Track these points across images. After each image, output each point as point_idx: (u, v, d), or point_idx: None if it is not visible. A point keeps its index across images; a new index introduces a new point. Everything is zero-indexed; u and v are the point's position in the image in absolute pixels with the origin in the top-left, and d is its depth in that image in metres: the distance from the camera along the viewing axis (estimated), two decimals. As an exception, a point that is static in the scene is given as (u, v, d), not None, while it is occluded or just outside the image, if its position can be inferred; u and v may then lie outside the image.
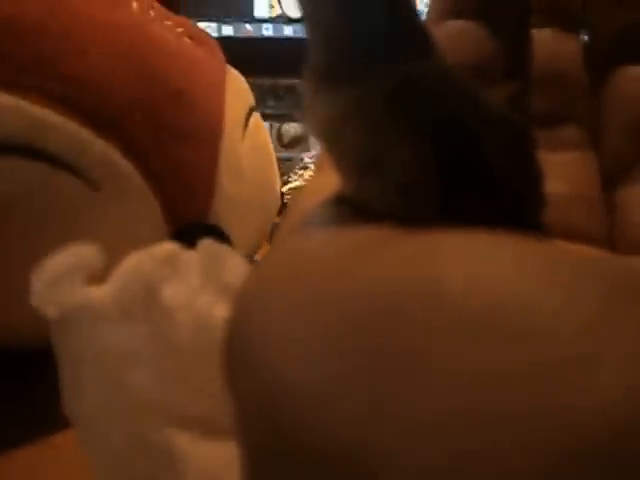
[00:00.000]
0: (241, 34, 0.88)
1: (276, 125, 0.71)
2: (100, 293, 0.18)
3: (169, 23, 0.35)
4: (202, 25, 0.86)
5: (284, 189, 0.52)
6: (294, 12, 0.88)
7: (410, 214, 0.14)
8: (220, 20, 0.88)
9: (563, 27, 0.21)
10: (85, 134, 0.28)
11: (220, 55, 0.38)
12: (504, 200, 0.15)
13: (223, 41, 0.88)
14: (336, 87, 0.14)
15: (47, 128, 0.27)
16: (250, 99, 0.39)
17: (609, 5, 0.20)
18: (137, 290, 0.18)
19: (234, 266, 0.19)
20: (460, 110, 0.15)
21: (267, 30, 0.87)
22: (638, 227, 0.18)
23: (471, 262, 0.11)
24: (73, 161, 0.28)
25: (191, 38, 0.36)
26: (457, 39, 0.20)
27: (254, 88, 0.81)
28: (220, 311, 0.18)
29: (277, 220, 0.42)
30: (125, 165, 0.29)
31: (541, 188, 0.16)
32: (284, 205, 0.48)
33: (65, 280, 0.18)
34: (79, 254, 0.19)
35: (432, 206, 0.14)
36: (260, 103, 0.75)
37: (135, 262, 0.19)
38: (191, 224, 0.32)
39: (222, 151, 0.34)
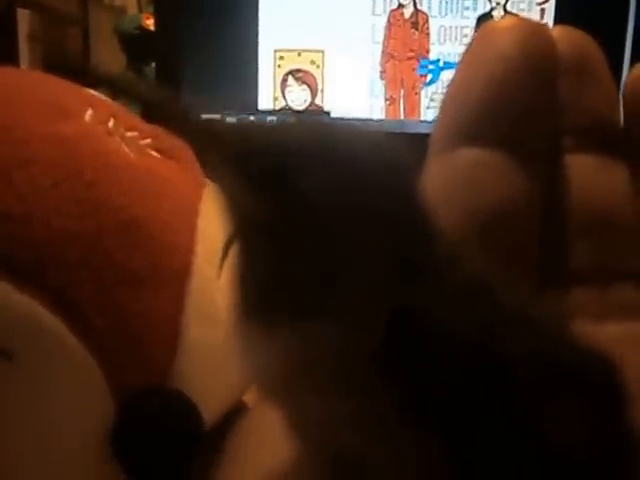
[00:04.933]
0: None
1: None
2: None
3: (132, 134, 0.29)
4: (205, 116, 0.82)
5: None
6: (299, 105, 0.83)
7: None
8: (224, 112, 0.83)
9: (604, 150, 0.16)
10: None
11: (196, 170, 0.32)
12: None
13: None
14: (285, 325, 0.09)
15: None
16: (232, 221, 0.33)
17: None
18: None
19: None
20: (490, 381, 0.08)
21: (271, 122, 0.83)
22: None
23: None
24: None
25: (160, 151, 0.30)
26: (475, 175, 0.15)
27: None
28: None
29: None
30: (54, 325, 0.22)
31: None
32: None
33: None
34: None
35: None
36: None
37: None
38: (144, 393, 0.25)
39: (190, 293, 0.27)
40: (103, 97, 0.32)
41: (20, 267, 0.22)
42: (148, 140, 0.30)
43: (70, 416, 0.24)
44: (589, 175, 0.16)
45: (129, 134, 0.29)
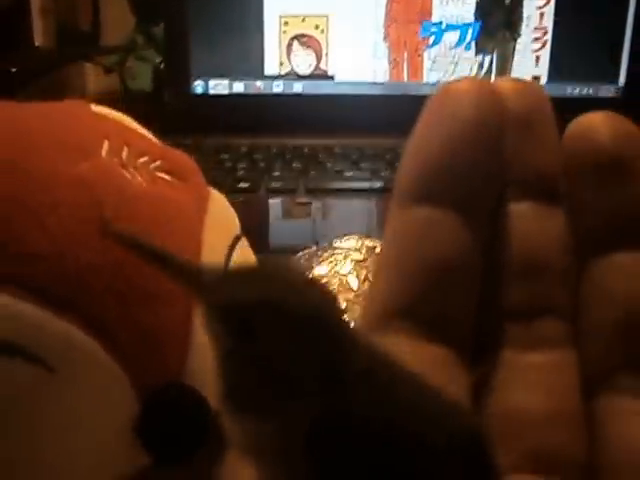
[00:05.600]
0: (252, 91, 0.86)
1: (287, 200, 0.68)
2: None
3: (143, 160, 0.33)
4: (213, 82, 0.85)
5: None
6: (304, 69, 0.86)
7: None
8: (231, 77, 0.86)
9: (544, 200, 0.19)
10: (40, 315, 0.26)
11: (200, 185, 0.36)
12: None
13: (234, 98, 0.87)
14: (247, 416, 0.14)
15: (-3, 315, 0.25)
16: (234, 228, 0.37)
17: (588, 183, 0.18)
18: None
19: None
20: (388, 456, 0.13)
21: (277, 87, 0.86)
22: (618, 450, 0.16)
23: None
24: (26, 346, 0.26)
25: (169, 172, 0.34)
26: (426, 231, 0.18)
27: (262, 150, 0.78)
28: None
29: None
30: (86, 342, 0.27)
31: None
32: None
33: None
34: None
35: None
36: (266, 173, 0.73)
37: None
38: (162, 390, 0.30)
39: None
40: (116, 121, 0.36)
41: (57, 298, 0.27)
42: (158, 162, 0.34)
43: (101, 413, 0.29)
44: (527, 223, 0.19)
45: (140, 160, 0.33)
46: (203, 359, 0.32)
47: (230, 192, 0.41)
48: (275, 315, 0.13)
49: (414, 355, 0.16)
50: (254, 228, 0.44)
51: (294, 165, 0.74)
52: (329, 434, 0.13)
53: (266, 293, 0.13)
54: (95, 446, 0.29)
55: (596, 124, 0.18)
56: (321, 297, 0.14)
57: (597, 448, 0.17)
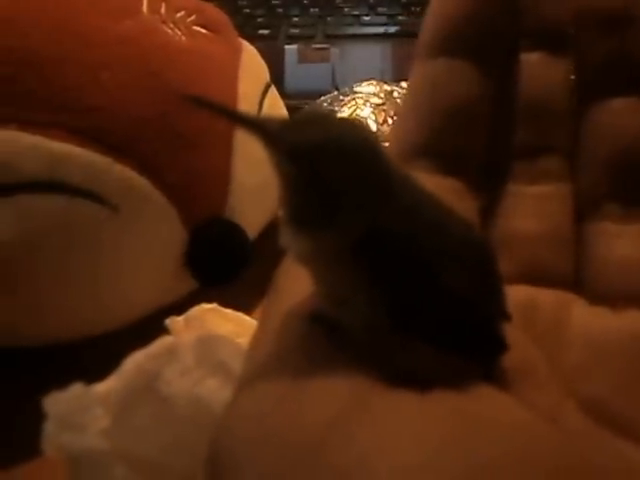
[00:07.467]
0: None
1: (305, 47, 0.69)
2: (103, 389, 0.21)
3: (181, 14, 0.36)
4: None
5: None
6: None
7: (370, 339, 0.16)
8: None
9: (552, 49, 0.21)
10: (103, 161, 0.30)
11: (233, 38, 0.38)
12: (468, 319, 0.16)
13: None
14: (309, 230, 0.16)
15: (66, 161, 0.29)
16: (265, 76, 0.40)
17: (594, 33, 0.20)
18: (138, 384, 0.21)
19: (226, 348, 0.22)
20: (417, 258, 0.16)
21: None
22: (602, 265, 0.19)
23: None
24: (93, 189, 0.30)
25: (204, 26, 0.37)
26: (441, 78, 0.20)
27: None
28: (212, 387, 0.21)
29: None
30: (142, 183, 0.31)
31: (502, 302, 0.17)
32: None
33: (74, 422, 0.21)
34: (87, 392, 0.21)
35: (386, 333, 0.16)
36: (284, 19, 0.74)
37: (135, 360, 0.22)
38: (206, 223, 0.34)
39: (235, 144, 0.35)
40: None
41: (115, 146, 0.30)
42: (193, 17, 0.36)
43: (156, 244, 0.33)
44: (536, 71, 0.20)
45: (178, 15, 0.35)
46: (241, 196, 0.36)
47: (250, 40, 0.42)
48: (334, 152, 0.15)
49: (431, 187, 0.18)
50: (275, 75, 0.46)
51: (312, 11, 0.75)
52: (371, 242, 0.16)
53: (326, 136, 0.15)
54: (150, 273, 0.34)
55: None
56: (367, 136, 0.17)
57: (582, 264, 0.19)
